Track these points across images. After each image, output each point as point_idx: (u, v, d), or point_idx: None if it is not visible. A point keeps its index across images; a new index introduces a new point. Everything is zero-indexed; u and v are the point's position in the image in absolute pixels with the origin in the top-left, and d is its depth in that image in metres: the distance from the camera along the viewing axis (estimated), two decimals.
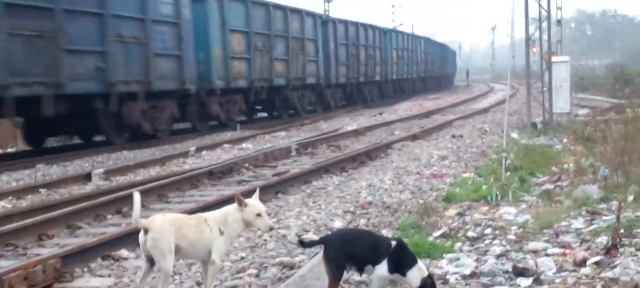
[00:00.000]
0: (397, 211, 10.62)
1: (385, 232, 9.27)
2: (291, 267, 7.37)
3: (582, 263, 7.14)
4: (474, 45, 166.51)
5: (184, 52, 23.42)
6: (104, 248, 7.93)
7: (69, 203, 10.84)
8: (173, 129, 25.07)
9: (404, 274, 5.76)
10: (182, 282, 6.83)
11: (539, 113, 23.73)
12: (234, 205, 6.02)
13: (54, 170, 16.06)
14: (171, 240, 5.74)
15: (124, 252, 7.85)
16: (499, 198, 11.08)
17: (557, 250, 7.78)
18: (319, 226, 9.16)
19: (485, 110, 31.96)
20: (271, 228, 6.15)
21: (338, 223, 9.43)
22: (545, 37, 24.31)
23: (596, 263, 7.09)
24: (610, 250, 7.36)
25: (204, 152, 18.56)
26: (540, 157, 15.20)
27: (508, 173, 12.82)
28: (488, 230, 9.02)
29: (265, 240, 8.26)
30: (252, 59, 27.99)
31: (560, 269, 7.12)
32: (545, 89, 23.20)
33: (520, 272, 6.94)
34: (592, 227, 8.54)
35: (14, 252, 8.40)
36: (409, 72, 54.67)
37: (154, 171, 15.63)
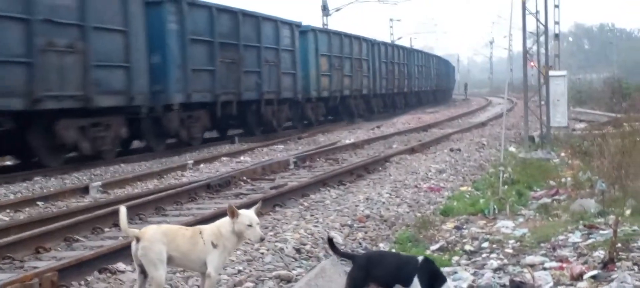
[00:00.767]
0: (394, 224, 10.63)
1: (382, 246, 9.28)
2: (288, 280, 7.36)
3: (579, 277, 7.15)
4: (472, 59, 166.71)
5: (134, 63, 20.37)
6: (101, 262, 7.91)
7: (66, 216, 10.81)
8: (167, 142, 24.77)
9: None
10: None
11: (536, 127, 23.77)
12: (227, 218, 6.04)
13: (51, 183, 16.04)
14: (163, 250, 5.77)
15: (121, 265, 7.84)
16: (496, 212, 11.10)
17: (554, 264, 7.79)
18: (316, 239, 9.15)
19: (483, 124, 32.00)
20: (262, 239, 6.16)
21: (336, 237, 9.42)
22: (542, 51, 24.35)
23: (593, 277, 7.10)
24: (608, 264, 7.37)
25: (201, 165, 18.56)
26: (537, 171, 15.23)
27: (505, 187, 12.84)
28: (485, 244, 9.04)
29: (262, 254, 8.26)
30: (216, 71, 25.08)
31: (557, 283, 7.13)
32: (542, 102, 23.25)
33: (517, 286, 6.95)
34: (589, 241, 8.55)
35: (11, 265, 8.37)
36: (400, 86, 52.04)
37: (151, 184, 15.62)
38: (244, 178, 15.31)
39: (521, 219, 10.63)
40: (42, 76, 17.24)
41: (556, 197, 12.16)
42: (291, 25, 32.01)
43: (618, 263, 7.39)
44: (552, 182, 13.88)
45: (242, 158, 20.45)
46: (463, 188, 13.95)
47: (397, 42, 63.59)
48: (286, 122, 32.63)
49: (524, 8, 22.12)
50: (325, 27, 47.98)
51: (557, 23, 29.68)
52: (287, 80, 31.12)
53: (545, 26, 23.83)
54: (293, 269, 7.80)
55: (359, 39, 42.16)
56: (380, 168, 16.91)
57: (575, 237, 8.87)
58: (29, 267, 8.11)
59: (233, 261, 7.80)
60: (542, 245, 8.72)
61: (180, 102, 23.06)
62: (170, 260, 5.88)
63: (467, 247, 8.99)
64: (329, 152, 20.68)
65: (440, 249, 8.94)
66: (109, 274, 7.69)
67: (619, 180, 11.27)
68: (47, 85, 17.40)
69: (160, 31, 22.11)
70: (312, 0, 74.12)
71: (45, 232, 9.49)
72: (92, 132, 19.27)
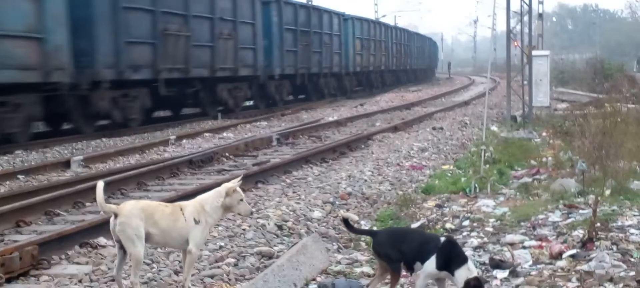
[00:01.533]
0: (376, 202, 10.68)
1: (364, 223, 9.32)
2: (270, 256, 7.39)
3: (558, 256, 7.22)
4: (456, 38, 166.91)
5: (49, 34, 17.91)
6: (82, 236, 7.88)
7: (47, 190, 10.76)
8: (152, 117, 24.61)
9: (452, 272, 5.68)
10: (159, 271, 6.82)
11: (519, 106, 23.87)
12: (212, 193, 6.03)
13: (32, 157, 15.95)
14: (140, 226, 5.73)
15: (102, 240, 7.82)
16: (477, 190, 11.17)
17: (533, 242, 7.87)
18: (298, 216, 9.18)
19: (465, 103, 32.09)
20: (251, 213, 6.19)
21: (317, 214, 9.46)
22: (526, 30, 24.43)
23: (572, 256, 7.17)
24: (587, 243, 7.44)
25: (184, 141, 18.51)
26: (519, 151, 15.32)
27: (487, 166, 12.90)
28: (466, 222, 9.10)
29: (244, 230, 8.27)
30: (159, 44, 22.38)
31: (536, 262, 7.20)
32: (525, 82, 23.33)
33: (497, 264, 7.01)
34: (569, 221, 8.63)
35: None
36: (376, 64, 48.97)
37: (133, 159, 15.56)
38: (227, 154, 15.29)
39: (502, 198, 10.70)
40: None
41: (537, 177, 12.24)
42: None
43: (597, 243, 7.46)
44: (533, 162, 13.97)
45: (224, 134, 20.41)
46: (445, 167, 14.00)
47: (382, 20, 62.74)
48: (246, 102, 30.58)
49: None
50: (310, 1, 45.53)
51: (541, 3, 29.81)
52: (245, 55, 28.58)
53: (529, 6, 23.88)
54: (275, 245, 7.82)
55: (329, 12, 39.45)
56: (363, 146, 16.94)
57: (555, 217, 8.94)
58: (9, 241, 8.09)
59: (215, 237, 7.81)
60: (522, 224, 8.80)
61: (111, 78, 20.52)
62: (148, 237, 5.83)
63: (448, 225, 9.06)
64: (312, 130, 20.68)
65: (421, 227, 8.99)
66: (89, 248, 7.68)
67: (599, 160, 11.36)
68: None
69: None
70: None
71: (25, 205, 9.45)
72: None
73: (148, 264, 6.91)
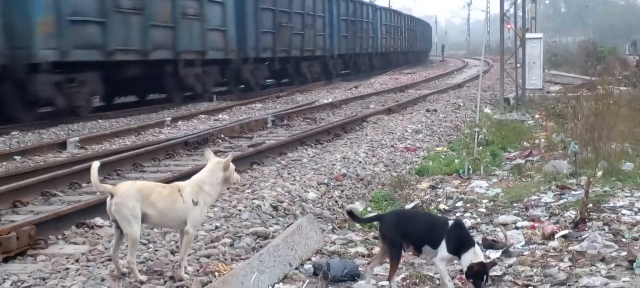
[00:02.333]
0: (370, 183, 10.75)
1: (358, 204, 9.39)
2: (265, 237, 7.45)
3: (551, 236, 7.31)
4: (450, 21, 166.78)
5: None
6: (79, 216, 7.93)
7: (43, 171, 10.80)
8: (149, 99, 24.49)
9: (459, 256, 5.69)
10: (156, 251, 6.87)
11: (512, 89, 23.95)
12: (208, 171, 6.05)
13: (28, 138, 15.97)
14: (136, 206, 5.75)
15: (98, 220, 7.87)
16: (471, 172, 11.26)
17: (526, 223, 7.95)
18: (293, 197, 9.24)
19: (459, 86, 32.13)
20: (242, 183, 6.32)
21: (312, 195, 9.52)
22: (520, 13, 24.46)
23: (564, 236, 7.26)
24: (579, 224, 7.52)
25: (180, 122, 18.55)
26: (512, 133, 15.42)
27: (480, 147, 12.99)
28: (459, 203, 9.19)
29: (239, 210, 8.32)
30: (109, 23, 20.25)
31: (529, 242, 7.29)
32: (518, 65, 23.39)
33: (490, 244, 7.09)
34: (561, 202, 8.71)
35: None
36: (364, 46, 46.93)
37: (129, 140, 15.60)
38: (222, 136, 15.35)
39: (495, 179, 10.79)
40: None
41: (530, 158, 12.33)
42: None
43: (589, 224, 7.54)
44: (526, 144, 14.07)
45: (220, 116, 20.45)
46: (438, 149, 14.08)
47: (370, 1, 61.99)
48: (217, 88, 28.18)
49: None
50: None
51: None
52: (214, 37, 26.25)
53: None
54: (270, 226, 7.88)
55: None
56: (357, 128, 17.00)
57: (548, 198, 9.03)
58: (6, 221, 8.12)
59: (211, 218, 7.87)
60: (515, 205, 8.88)
61: (53, 60, 18.56)
62: (145, 218, 5.85)
63: (442, 206, 9.14)
64: (306, 111, 20.73)
65: (415, 208, 9.06)
66: (86, 229, 7.72)
67: (591, 142, 11.45)
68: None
69: None
70: None
71: (22, 186, 9.50)
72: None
73: (144, 244, 6.97)
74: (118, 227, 5.86)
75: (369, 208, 9.18)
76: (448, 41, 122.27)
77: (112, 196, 5.77)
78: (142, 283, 5.95)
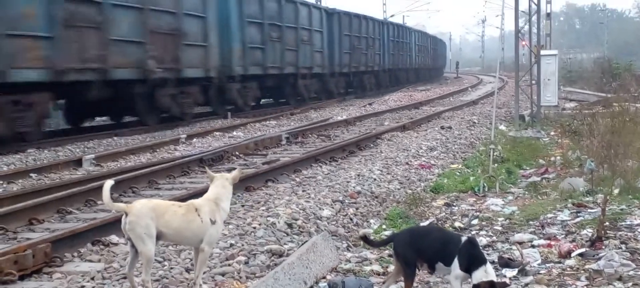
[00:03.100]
0: (385, 201, 10.72)
1: (373, 222, 9.37)
2: (280, 254, 7.43)
3: (567, 255, 7.25)
4: (464, 37, 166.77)
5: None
6: (94, 234, 7.95)
7: (59, 188, 10.85)
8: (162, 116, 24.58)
9: (470, 273, 5.65)
10: (171, 268, 6.88)
11: (527, 106, 23.87)
12: (221, 187, 6.07)
13: (44, 155, 16.06)
14: (150, 225, 5.74)
15: (114, 238, 7.89)
16: (486, 189, 11.21)
17: (542, 241, 7.90)
18: (308, 215, 9.23)
19: (474, 102, 32.07)
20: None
21: (327, 212, 9.51)
22: (534, 30, 24.44)
23: (581, 255, 7.20)
24: (595, 242, 7.47)
25: (194, 140, 18.61)
26: (527, 150, 15.36)
27: (495, 165, 12.94)
28: (475, 221, 9.14)
29: (254, 228, 8.32)
30: (58, 38, 17.76)
31: (545, 260, 7.23)
32: (533, 82, 23.34)
33: (506, 263, 7.05)
34: (577, 220, 8.66)
35: (4, 236, 8.42)
36: (369, 63, 44.47)
37: (144, 158, 15.66)
38: (237, 153, 15.38)
39: (510, 197, 10.74)
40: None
41: (545, 176, 12.27)
42: None
43: (606, 242, 7.49)
44: (541, 161, 14.01)
45: (234, 133, 20.50)
46: (453, 166, 14.04)
47: (391, 20, 61.77)
48: (194, 108, 25.53)
49: None
50: (318, 1, 40.83)
51: (549, 2, 29.78)
52: (194, 53, 24.06)
53: (538, 5, 23.88)
54: (285, 244, 7.87)
55: (307, 5, 34.62)
56: (371, 145, 16.99)
57: (564, 216, 8.98)
58: (22, 238, 8.16)
59: (226, 235, 7.87)
60: (531, 223, 8.84)
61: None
62: (160, 236, 5.83)
63: (457, 224, 9.10)
64: (320, 128, 20.75)
65: (430, 225, 9.03)
66: (102, 246, 7.75)
67: (608, 159, 11.38)
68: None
69: None
70: None
71: (38, 203, 9.54)
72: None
73: (159, 262, 6.97)
74: (133, 245, 5.86)
75: (384, 226, 9.15)
76: (462, 58, 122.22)
77: (126, 215, 5.78)
78: None
